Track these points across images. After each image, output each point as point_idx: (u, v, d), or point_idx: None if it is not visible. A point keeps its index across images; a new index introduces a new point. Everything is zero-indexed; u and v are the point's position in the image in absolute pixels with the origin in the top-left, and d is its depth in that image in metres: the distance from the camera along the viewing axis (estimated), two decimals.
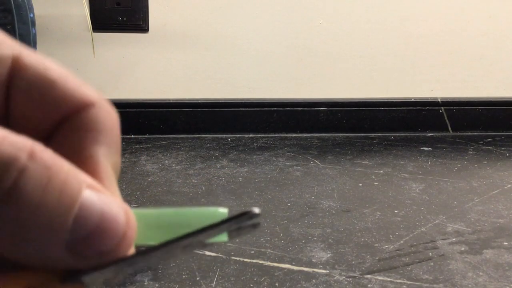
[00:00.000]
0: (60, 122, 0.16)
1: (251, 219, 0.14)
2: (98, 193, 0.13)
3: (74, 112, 0.15)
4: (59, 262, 0.13)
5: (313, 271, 0.55)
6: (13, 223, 0.12)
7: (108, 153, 0.16)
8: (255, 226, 0.14)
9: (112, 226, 0.13)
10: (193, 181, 0.86)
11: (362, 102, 1.24)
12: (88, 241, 0.13)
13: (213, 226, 0.14)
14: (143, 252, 0.15)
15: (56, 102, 0.15)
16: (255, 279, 0.53)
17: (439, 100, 1.25)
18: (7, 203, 0.12)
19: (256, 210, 0.14)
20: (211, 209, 0.14)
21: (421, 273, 0.55)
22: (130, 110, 1.19)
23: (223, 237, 0.15)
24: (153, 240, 0.15)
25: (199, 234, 0.14)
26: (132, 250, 0.15)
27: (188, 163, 0.97)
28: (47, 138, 0.16)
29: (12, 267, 0.14)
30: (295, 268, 0.56)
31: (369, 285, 0.52)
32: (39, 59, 0.15)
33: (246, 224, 0.14)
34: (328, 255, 0.59)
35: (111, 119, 0.16)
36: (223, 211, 0.15)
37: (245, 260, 0.58)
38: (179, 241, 0.14)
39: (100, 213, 0.13)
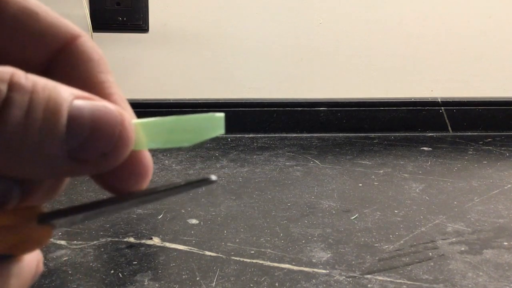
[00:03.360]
0: (54, 55, 0.16)
1: (209, 184, 0.16)
2: (88, 100, 0.14)
3: (65, 44, 0.16)
4: (66, 172, 0.14)
5: (313, 271, 0.55)
6: (8, 148, 0.13)
7: (113, 79, 0.17)
8: (210, 184, 0.16)
9: (106, 127, 0.14)
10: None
11: (362, 102, 1.24)
12: (87, 145, 0.13)
13: (178, 187, 0.16)
14: (113, 200, 0.16)
15: (44, 34, 0.16)
16: (255, 279, 0.53)
17: (439, 100, 1.25)
18: None
19: (213, 177, 0.15)
20: (209, 115, 0.15)
21: (421, 273, 0.55)
22: None
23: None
24: (153, 144, 0.16)
25: (165, 193, 0.16)
26: (135, 148, 0.15)
27: (188, 163, 0.97)
28: (44, 72, 0.16)
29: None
30: (295, 268, 0.56)
31: (369, 285, 0.52)
32: None
33: (204, 185, 0.16)
34: (328, 255, 0.59)
35: (97, 48, 0.17)
36: (219, 116, 0.15)
37: (245, 260, 0.58)
38: (145, 196, 0.16)
39: (91, 118, 0.13)
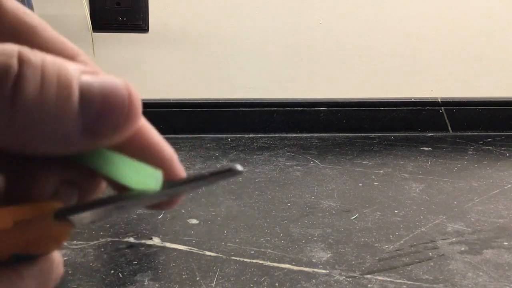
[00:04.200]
0: None
1: (234, 175, 0.15)
2: (94, 75, 0.14)
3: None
4: (82, 145, 0.14)
5: (313, 271, 0.55)
6: (26, 124, 0.13)
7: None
8: (235, 176, 0.15)
9: (115, 99, 0.14)
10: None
11: (362, 102, 1.24)
12: (100, 117, 0.14)
13: (199, 178, 0.15)
14: (132, 196, 0.15)
15: (43, 51, 0.15)
16: (255, 279, 0.53)
17: (439, 100, 1.25)
18: (12, 108, 0.12)
19: (239, 167, 0.15)
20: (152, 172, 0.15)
21: (421, 273, 0.55)
22: None
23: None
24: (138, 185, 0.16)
25: (185, 185, 0.15)
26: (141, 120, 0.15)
27: (188, 163, 0.97)
28: None
29: (1, 202, 0.14)
30: (295, 268, 0.56)
31: (369, 285, 0.52)
32: (18, 5, 0.16)
33: (228, 176, 0.15)
34: (328, 255, 0.59)
35: (98, 70, 0.17)
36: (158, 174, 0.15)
37: (245, 260, 0.58)
38: (165, 190, 0.15)
39: (101, 91, 0.14)
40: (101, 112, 0.14)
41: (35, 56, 0.13)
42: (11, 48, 0.13)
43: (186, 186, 0.15)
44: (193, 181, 0.15)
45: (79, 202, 0.15)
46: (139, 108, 0.15)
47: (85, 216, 0.15)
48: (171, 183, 0.15)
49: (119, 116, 0.14)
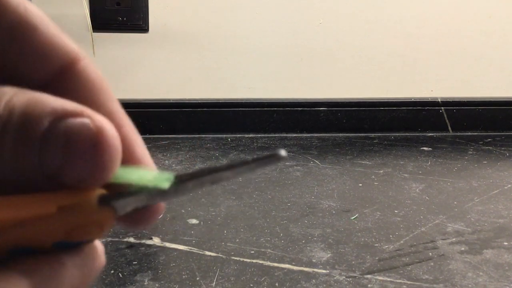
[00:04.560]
0: (53, 76, 0.15)
1: (279, 161, 0.15)
2: (71, 116, 0.13)
3: (65, 66, 0.15)
4: (50, 189, 0.14)
5: (313, 271, 0.55)
6: None
7: (120, 108, 0.16)
8: (279, 161, 0.15)
9: (79, 145, 0.13)
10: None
11: (362, 102, 1.24)
12: (62, 167, 0.13)
13: (242, 164, 0.15)
14: (175, 182, 0.15)
15: (41, 53, 0.15)
16: (255, 279, 0.53)
17: (439, 100, 1.25)
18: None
19: (283, 152, 0.15)
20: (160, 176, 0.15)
21: (421, 273, 0.55)
22: (130, 110, 1.18)
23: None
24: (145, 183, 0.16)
25: (229, 169, 0.15)
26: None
27: (188, 163, 0.97)
28: (44, 87, 0.15)
29: (45, 188, 0.14)
30: (295, 268, 0.56)
31: (369, 285, 0.52)
32: (19, 2, 0.15)
33: (272, 162, 0.15)
34: (328, 255, 0.59)
35: (100, 73, 0.16)
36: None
37: (245, 260, 0.58)
38: (209, 175, 0.15)
39: (64, 135, 0.13)
40: (63, 160, 0.13)
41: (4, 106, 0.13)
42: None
43: (229, 172, 0.15)
44: (236, 166, 0.15)
45: (122, 189, 0.15)
46: (115, 156, 0.14)
47: (128, 203, 0.15)
48: (209, 170, 0.15)
49: (83, 166, 0.13)
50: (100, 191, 0.15)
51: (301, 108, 1.23)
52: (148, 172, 0.15)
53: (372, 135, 1.23)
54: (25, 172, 0.13)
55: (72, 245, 0.15)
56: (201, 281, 0.53)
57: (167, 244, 0.62)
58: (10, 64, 0.15)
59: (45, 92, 0.14)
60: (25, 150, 0.13)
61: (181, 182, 0.15)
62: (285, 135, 1.22)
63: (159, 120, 1.20)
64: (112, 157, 0.13)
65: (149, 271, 0.55)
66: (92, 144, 0.13)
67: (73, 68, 0.16)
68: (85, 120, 0.13)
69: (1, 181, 0.13)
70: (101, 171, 0.13)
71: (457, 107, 1.25)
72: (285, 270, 0.55)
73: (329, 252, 0.60)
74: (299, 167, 0.94)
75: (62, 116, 0.13)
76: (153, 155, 1.05)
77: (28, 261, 0.13)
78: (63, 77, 0.16)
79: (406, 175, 0.90)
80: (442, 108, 1.25)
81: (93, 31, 1.10)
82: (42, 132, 0.13)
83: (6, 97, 0.12)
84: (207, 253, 0.59)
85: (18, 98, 0.13)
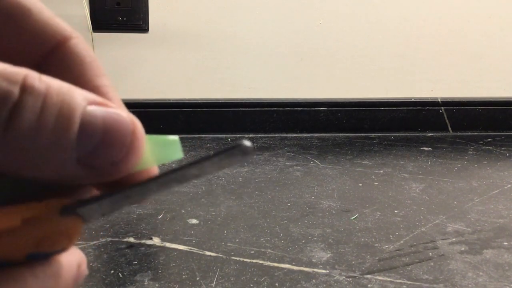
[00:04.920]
0: (45, 55, 0.16)
1: (243, 154, 0.14)
2: (101, 106, 0.14)
3: (57, 44, 0.16)
4: (75, 177, 0.14)
5: (313, 271, 0.55)
6: (19, 150, 0.13)
7: (109, 82, 0.17)
8: (246, 154, 0.14)
9: (117, 135, 0.14)
10: (193, 181, 0.86)
11: (362, 102, 1.24)
12: (97, 152, 0.13)
13: (205, 159, 0.14)
14: (138, 184, 0.15)
15: (35, 34, 0.15)
16: (255, 279, 0.53)
17: (439, 100, 1.25)
18: (7, 132, 0.12)
19: (247, 143, 0.14)
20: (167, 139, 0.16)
21: (421, 273, 0.55)
22: (130, 110, 1.18)
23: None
24: (162, 161, 0.16)
25: (192, 167, 0.14)
26: (142, 163, 0.15)
27: None
28: (38, 66, 0.16)
29: (8, 201, 0.14)
30: (295, 268, 0.56)
31: (369, 285, 0.52)
32: None
33: (237, 155, 0.14)
34: (328, 255, 0.59)
35: (90, 50, 0.17)
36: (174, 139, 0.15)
37: (245, 260, 0.58)
38: (172, 174, 0.15)
39: (103, 125, 0.13)
40: (99, 147, 0.13)
41: (40, 83, 0.13)
42: (18, 73, 0.13)
43: (194, 169, 0.14)
44: (200, 162, 0.14)
45: (86, 197, 0.15)
46: (142, 145, 0.15)
47: (93, 209, 0.15)
48: (175, 169, 0.15)
49: (118, 153, 0.14)
50: (64, 201, 0.15)
51: (301, 108, 1.23)
52: (155, 152, 0.15)
53: (372, 135, 1.23)
54: (57, 158, 0.13)
55: (45, 256, 0.15)
56: (201, 281, 0.53)
57: (167, 244, 0.62)
58: (5, 45, 0.15)
59: (38, 70, 0.14)
60: (64, 127, 0.13)
61: (143, 184, 0.15)
62: (285, 135, 1.22)
63: (159, 120, 1.20)
64: (142, 144, 0.14)
65: (149, 271, 0.55)
66: (131, 131, 0.14)
67: (64, 45, 0.16)
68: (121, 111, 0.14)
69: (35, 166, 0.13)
70: (135, 156, 0.14)
71: (457, 107, 1.25)
72: (285, 270, 0.55)
73: (329, 252, 0.60)
74: (299, 167, 0.94)
75: (98, 103, 0.14)
76: None
77: (0, 274, 0.14)
78: (55, 54, 0.16)
79: (406, 175, 0.90)
80: (442, 108, 1.25)
81: (93, 31, 1.10)
82: (82, 112, 0.13)
83: (21, 76, 0.13)
84: (207, 253, 0.59)
85: (49, 79, 0.13)
